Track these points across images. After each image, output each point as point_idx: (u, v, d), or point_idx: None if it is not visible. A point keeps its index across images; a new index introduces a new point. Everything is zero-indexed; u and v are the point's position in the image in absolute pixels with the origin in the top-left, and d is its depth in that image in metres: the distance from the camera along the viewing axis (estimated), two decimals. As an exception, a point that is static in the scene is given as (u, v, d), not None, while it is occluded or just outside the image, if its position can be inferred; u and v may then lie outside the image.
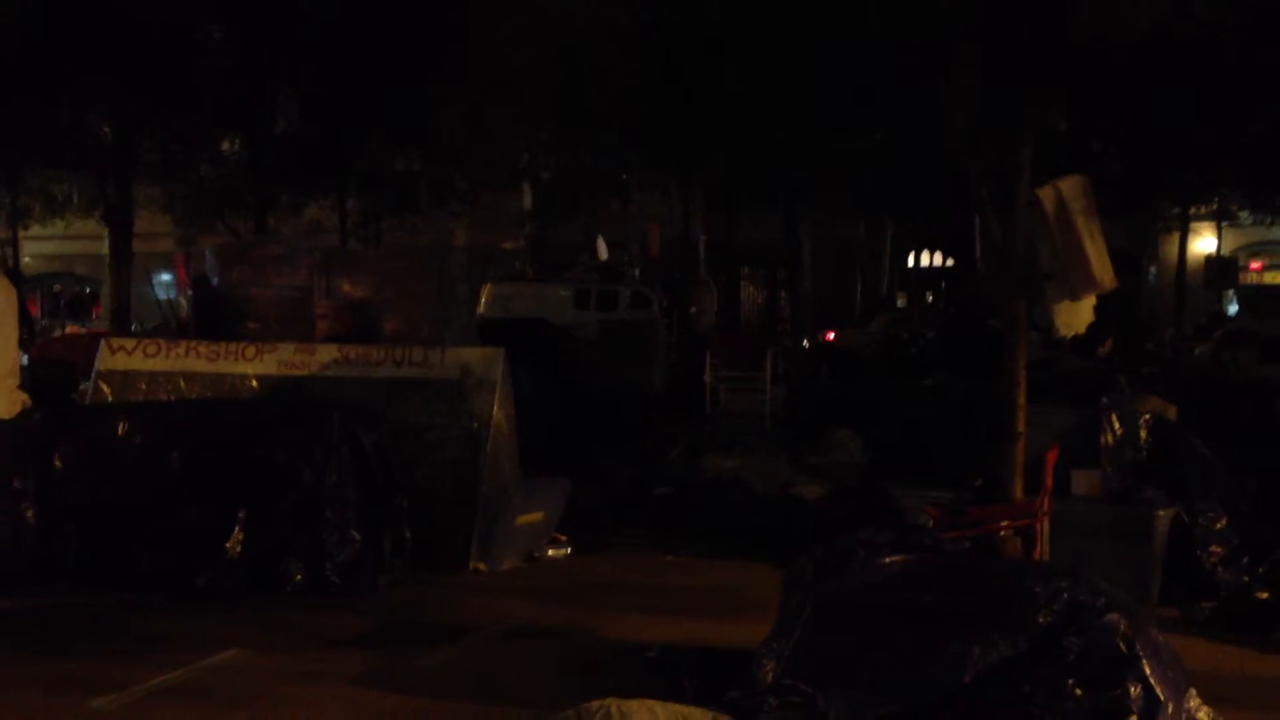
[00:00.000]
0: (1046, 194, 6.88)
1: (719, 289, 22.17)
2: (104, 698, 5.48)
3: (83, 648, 6.30)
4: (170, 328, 16.03)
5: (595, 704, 4.89)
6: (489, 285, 18.85)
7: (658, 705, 4.87)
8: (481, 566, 7.87)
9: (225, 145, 19.64)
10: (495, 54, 17.34)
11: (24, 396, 7.34)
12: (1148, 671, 4.55)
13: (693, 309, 18.31)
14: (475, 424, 8.14)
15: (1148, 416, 7.93)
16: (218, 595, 7.14)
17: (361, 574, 7.44)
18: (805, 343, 21.78)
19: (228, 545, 7.36)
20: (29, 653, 6.23)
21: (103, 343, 9.25)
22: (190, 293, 17.60)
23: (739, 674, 5.19)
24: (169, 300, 17.37)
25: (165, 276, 23.52)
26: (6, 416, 7.10)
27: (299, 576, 7.34)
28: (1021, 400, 6.69)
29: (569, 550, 8.42)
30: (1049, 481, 6.41)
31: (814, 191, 20.10)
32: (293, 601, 7.15)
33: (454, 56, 17.56)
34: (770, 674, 5.02)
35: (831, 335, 24.54)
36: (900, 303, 33.97)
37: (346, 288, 12.89)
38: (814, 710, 4.77)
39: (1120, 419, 7.83)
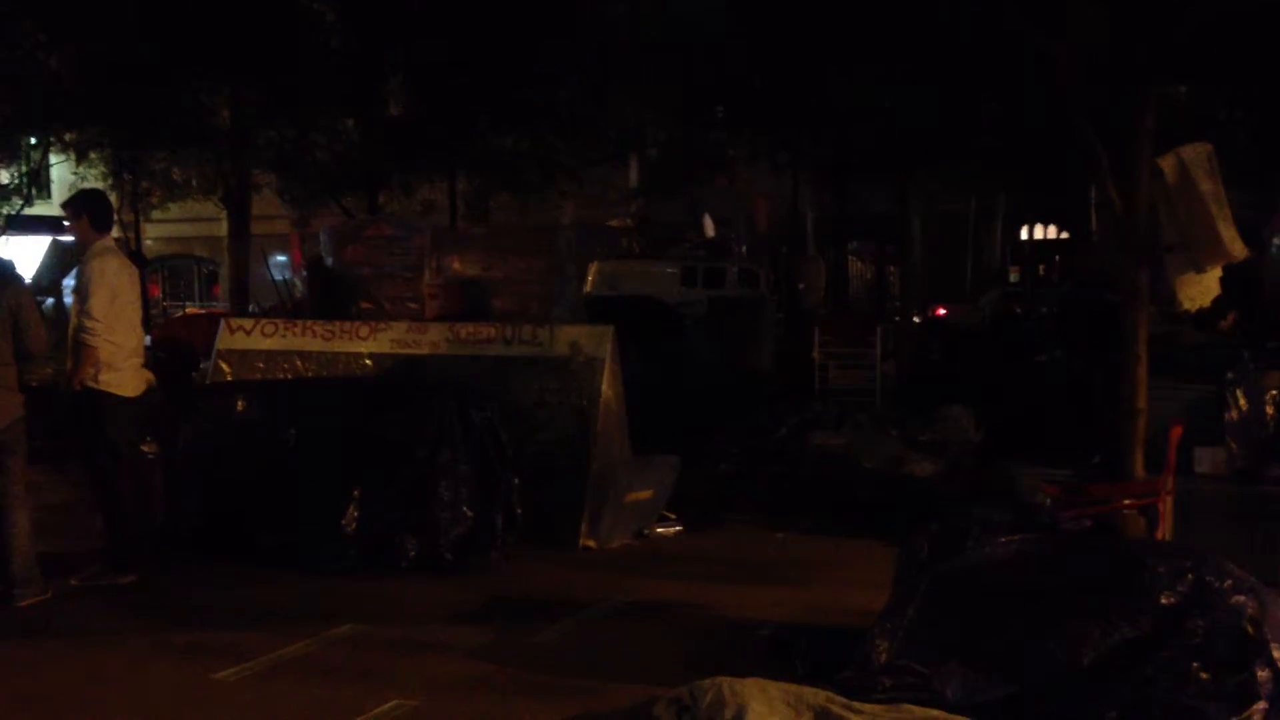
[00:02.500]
0: (1168, 162, 6.67)
1: (827, 264, 22.00)
2: (227, 669, 5.62)
3: (205, 620, 6.48)
4: (286, 308, 16.37)
5: (706, 682, 4.89)
6: (596, 263, 18.94)
7: (769, 684, 4.85)
8: (591, 544, 7.92)
9: (338, 127, 19.95)
10: (603, 28, 17.36)
11: (149, 375, 7.53)
12: (1277, 655, 4.42)
13: (801, 285, 18.17)
14: (585, 401, 8.18)
15: (1274, 392, 7.66)
16: (334, 570, 7.28)
17: (474, 550, 7.53)
18: (915, 318, 21.49)
19: (343, 521, 7.48)
20: (156, 625, 6.42)
21: (222, 323, 9.48)
22: (305, 273, 17.95)
23: (851, 654, 5.14)
24: (285, 280, 17.71)
25: (281, 258, 23.97)
26: (133, 395, 7.28)
27: (413, 552, 7.44)
28: (1143, 375, 6.50)
29: (679, 528, 8.43)
30: (1172, 459, 6.23)
31: (925, 163, 19.80)
32: (407, 577, 7.26)
33: (563, 32, 17.62)
34: (884, 654, 4.97)
35: (942, 310, 24.17)
36: (1013, 277, 33.34)
37: (457, 266, 13.06)
38: (929, 691, 4.72)
39: (1246, 395, 7.57)
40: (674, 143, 22.58)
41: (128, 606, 6.75)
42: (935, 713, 4.64)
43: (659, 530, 8.35)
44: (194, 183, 22.91)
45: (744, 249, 20.52)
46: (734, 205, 22.97)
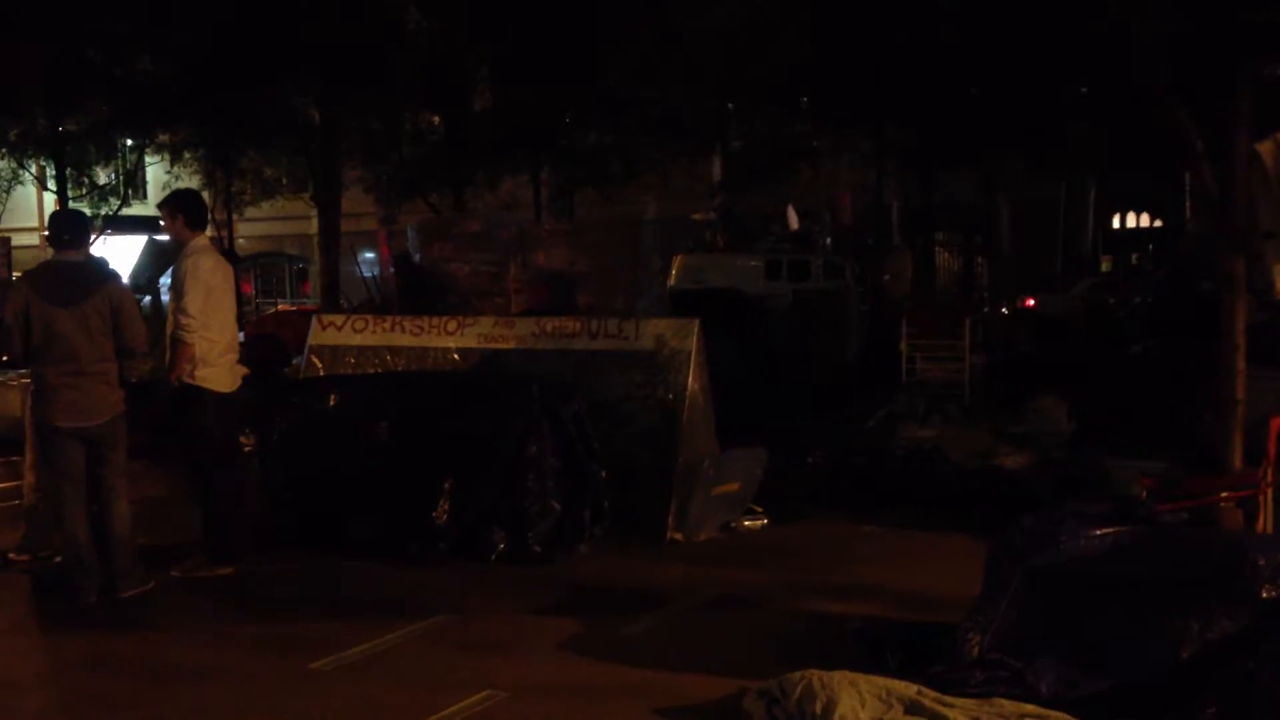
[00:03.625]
0: (1266, 148, 6.51)
1: (913, 255, 21.76)
2: (322, 660, 5.72)
3: (301, 612, 6.60)
4: (374, 304, 16.59)
5: (795, 675, 4.89)
6: (680, 257, 18.94)
7: (859, 677, 4.84)
8: (678, 537, 7.93)
9: (424, 124, 20.18)
10: (685, 19, 17.34)
11: (244, 370, 7.68)
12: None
13: (887, 276, 18.01)
14: (671, 395, 8.18)
15: (1379, 381, 7.46)
16: (425, 563, 7.37)
17: (562, 543, 7.58)
18: (1004, 309, 21.18)
19: (434, 514, 7.57)
20: (254, 616, 6.56)
21: (314, 319, 9.64)
22: (392, 269, 18.16)
23: (941, 648, 5.10)
24: (374, 277, 17.95)
25: (369, 254, 24.32)
26: (229, 390, 7.43)
27: (501, 545, 7.51)
28: (1240, 365, 6.36)
29: (765, 521, 8.41)
30: (1272, 451, 6.09)
31: (1013, 151, 19.50)
32: (495, 569, 7.33)
33: (643, 24, 17.64)
34: (975, 647, 4.93)
35: (1032, 301, 23.80)
36: (1105, 266, 32.72)
37: (542, 261, 13.14)
38: (1022, 685, 4.67)
39: (1350, 383, 7.38)
40: (757, 135, 22.50)
41: (226, 598, 6.90)
42: (1029, 707, 4.59)
43: (746, 523, 8.34)
44: (284, 181, 23.34)
45: (829, 241, 20.36)
46: (818, 197, 22.82)
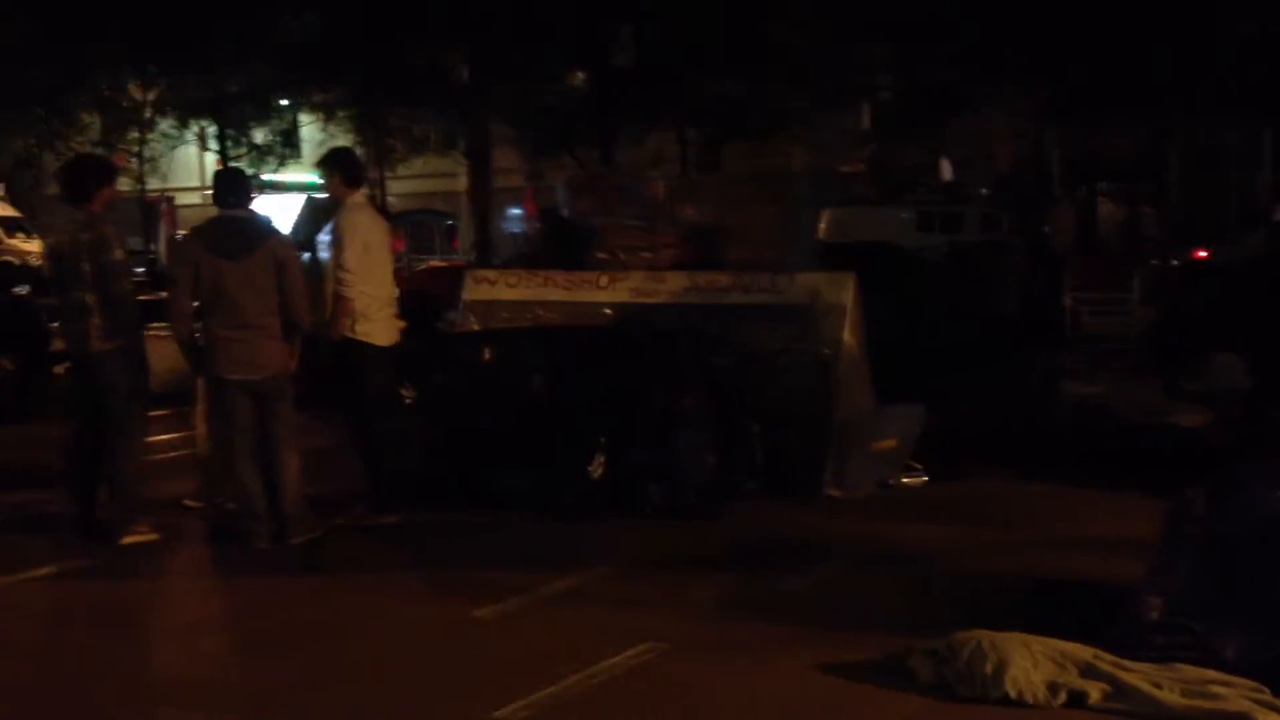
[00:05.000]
0: None
1: (1075, 206, 21.03)
2: (484, 608, 5.80)
3: (462, 560, 6.71)
4: (524, 259, 16.70)
5: (964, 634, 4.77)
6: (829, 210, 18.61)
7: (1031, 638, 4.70)
8: (835, 493, 7.81)
9: (570, 80, 20.21)
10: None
11: (402, 324, 7.80)
12: None
13: (1048, 228, 17.43)
14: (826, 349, 8.04)
15: None
16: (580, 516, 7.40)
17: (717, 497, 7.54)
18: (1174, 261, 20.36)
19: (589, 467, 7.60)
20: (417, 563, 6.71)
21: (468, 274, 9.73)
22: (539, 224, 18.27)
23: (1117, 610, 4.92)
24: (524, 233, 18.10)
25: (516, 210, 24.52)
26: (388, 344, 7.56)
27: (656, 498, 7.50)
28: None
29: (925, 479, 8.24)
30: None
31: (1182, 93, 18.62)
32: (651, 523, 7.33)
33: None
34: (1155, 611, 4.74)
35: (1203, 253, 22.81)
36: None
37: (690, 216, 13.03)
38: (1207, 649, 4.48)
39: None
40: (908, 84, 21.92)
41: (390, 546, 7.05)
42: (1211, 673, 4.41)
43: (904, 480, 8.17)
44: (431, 138, 23.63)
45: (985, 192, 19.78)
46: (973, 147, 22.19)
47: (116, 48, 19.83)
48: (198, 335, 7.05)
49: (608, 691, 4.82)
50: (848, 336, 8.08)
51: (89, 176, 7.33)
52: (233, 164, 22.95)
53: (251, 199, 7.43)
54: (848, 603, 5.84)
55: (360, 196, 7.75)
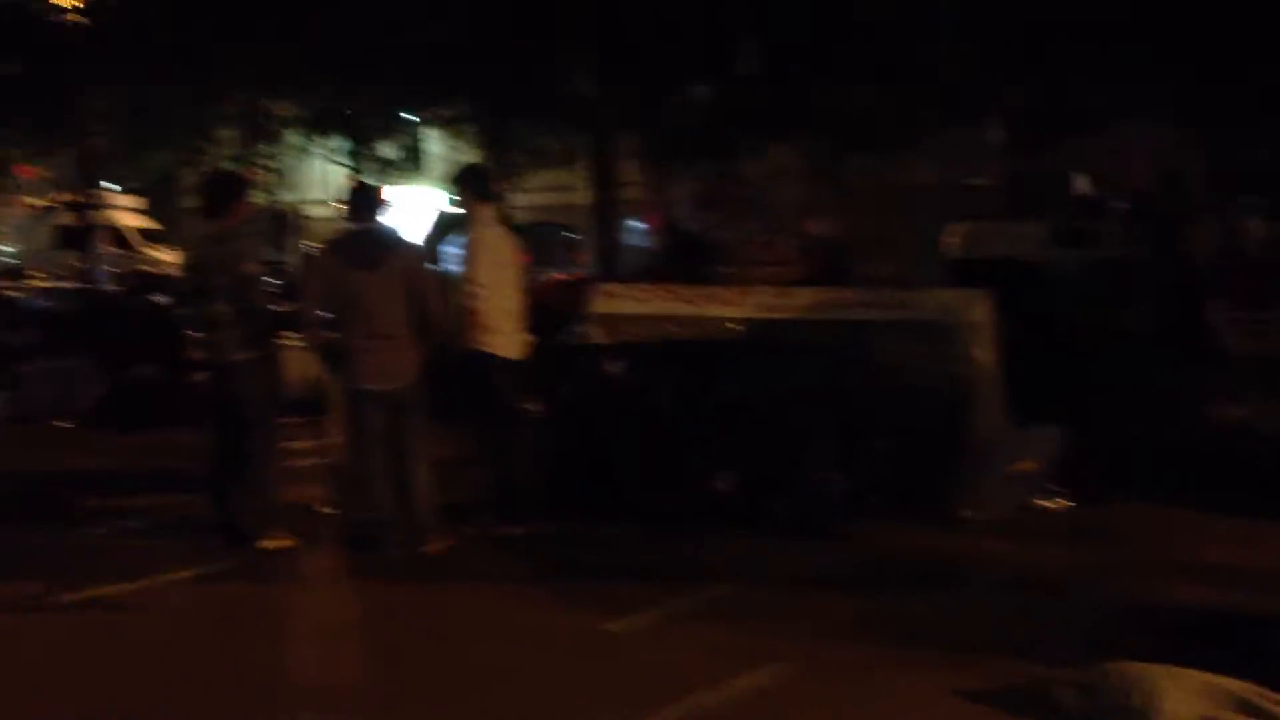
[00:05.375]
0: None
1: (1218, 221, 20.30)
2: (616, 621, 5.80)
3: (589, 574, 6.72)
4: (645, 273, 16.73)
5: (1110, 665, 4.62)
6: (959, 224, 18.26)
7: (1182, 671, 4.54)
8: (968, 514, 7.63)
9: (692, 92, 20.18)
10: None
11: (530, 338, 7.85)
12: None
13: (1189, 244, 16.86)
14: (958, 367, 7.89)
15: None
16: (707, 530, 7.35)
17: (844, 515, 7.44)
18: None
19: (716, 483, 7.56)
20: (545, 575, 6.74)
21: (594, 287, 9.76)
22: (662, 237, 18.28)
23: (1275, 644, 4.71)
24: (647, 246, 18.14)
25: (637, 223, 24.56)
26: (516, 356, 7.62)
27: (783, 515, 7.43)
28: None
29: (1063, 502, 8.00)
30: None
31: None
32: (777, 540, 7.24)
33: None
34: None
35: (1354, 270, 21.87)
36: None
37: (814, 229, 12.99)
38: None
39: None
40: (1047, 94, 21.35)
41: (519, 557, 7.09)
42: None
43: (1043, 503, 7.95)
44: (553, 152, 23.77)
45: (1123, 206, 19.25)
46: (1110, 160, 21.60)
47: (259, 67, 20.40)
48: (330, 341, 7.16)
49: (740, 711, 4.77)
50: (982, 355, 7.91)
51: (224, 191, 7.53)
52: (359, 178, 23.42)
53: (382, 212, 7.56)
54: (983, 627, 5.69)
55: (490, 210, 7.84)
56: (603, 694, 4.96)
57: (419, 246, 7.73)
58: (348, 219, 7.50)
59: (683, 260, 12.86)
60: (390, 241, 7.41)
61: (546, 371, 8.37)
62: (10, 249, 27.42)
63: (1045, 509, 7.93)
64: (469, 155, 22.06)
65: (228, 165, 21.00)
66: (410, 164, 25.57)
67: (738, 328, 8.79)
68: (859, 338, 8.20)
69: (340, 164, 25.08)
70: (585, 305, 9.42)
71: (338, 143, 24.56)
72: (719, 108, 19.10)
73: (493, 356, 7.49)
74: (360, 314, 7.00)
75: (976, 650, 5.31)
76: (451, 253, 12.70)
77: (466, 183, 7.85)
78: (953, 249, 17.36)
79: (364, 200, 7.44)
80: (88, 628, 5.99)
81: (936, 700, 4.78)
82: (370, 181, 16.89)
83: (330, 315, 7.11)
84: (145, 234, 27.18)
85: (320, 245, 8.89)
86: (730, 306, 8.91)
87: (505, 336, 7.55)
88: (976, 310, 8.04)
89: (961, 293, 8.37)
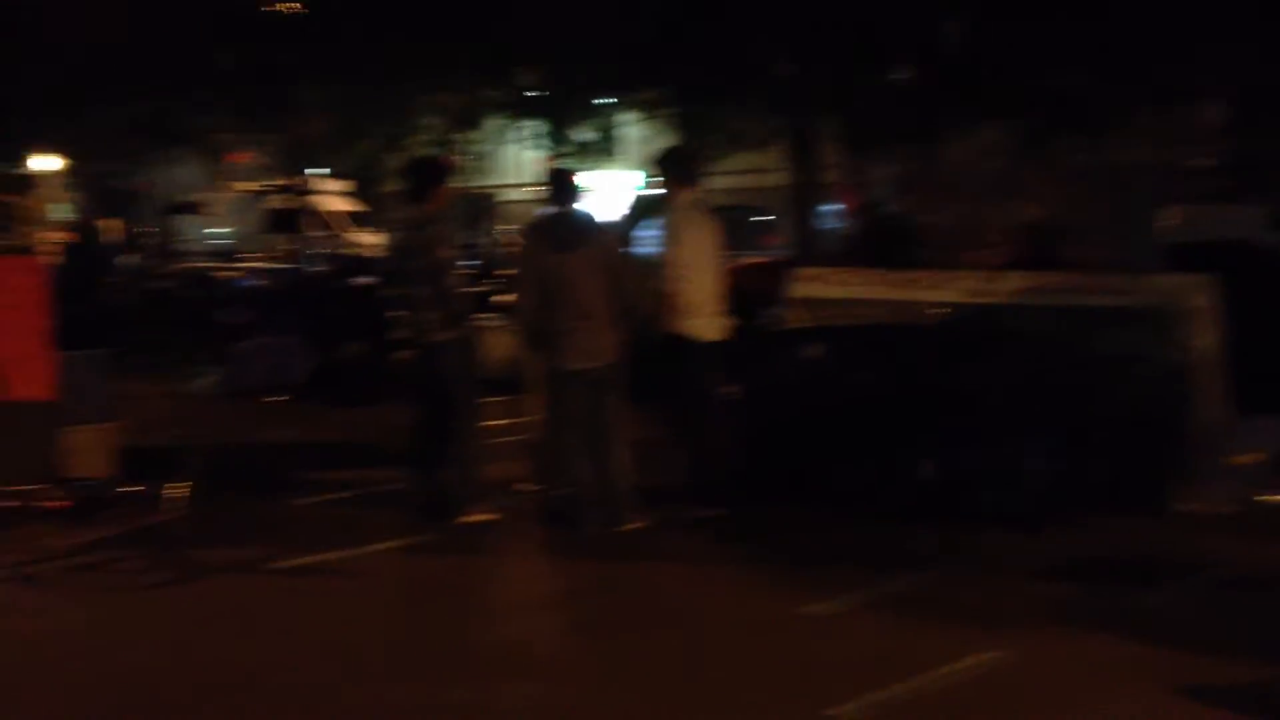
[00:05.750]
0: None
1: None
2: (814, 604, 5.72)
3: (787, 557, 6.67)
4: (843, 256, 16.48)
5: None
6: (1176, 206, 17.44)
7: None
8: (1188, 507, 7.27)
9: (896, 72, 19.76)
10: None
11: (728, 321, 7.81)
12: None
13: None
14: (1178, 355, 7.52)
15: None
16: (909, 517, 7.19)
17: (1055, 505, 7.16)
18: None
19: (918, 470, 7.38)
20: (740, 557, 6.71)
21: (793, 271, 9.63)
22: (859, 220, 17.96)
23: None
24: (840, 229, 17.88)
25: (832, 206, 24.23)
26: (714, 339, 7.58)
27: (990, 504, 7.19)
28: None
29: (1291, 496, 7.56)
30: None
31: None
32: (983, 529, 7.01)
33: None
34: None
35: None
36: None
37: (1023, 212, 12.56)
38: None
39: None
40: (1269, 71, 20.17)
41: (713, 539, 7.08)
42: None
43: (1268, 498, 7.52)
44: (748, 134, 23.61)
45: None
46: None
47: (469, 56, 20.90)
48: (535, 322, 7.24)
49: (948, 698, 4.65)
50: (1204, 342, 7.52)
51: (428, 177, 7.70)
52: (557, 162, 23.75)
53: (582, 197, 7.63)
54: (1205, 624, 5.43)
55: (692, 194, 7.81)
56: (801, 677, 4.90)
57: (615, 230, 7.75)
58: (547, 203, 7.59)
59: (883, 243, 12.61)
60: (588, 225, 7.49)
61: (743, 355, 8.31)
62: (223, 232, 28.68)
63: (1272, 503, 7.50)
64: (665, 139, 22.13)
65: (429, 151, 21.58)
66: (606, 148, 25.77)
67: (944, 313, 8.58)
68: (1074, 324, 7.89)
69: (537, 149, 25.46)
70: (782, 289, 9.32)
71: (536, 127, 24.92)
72: (923, 88, 18.64)
73: (692, 339, 7.48)
74: (562, 295, 7.08)
75: (1198, 649, 5.06)
76: (647, 236, 12.77)
77: (669, 166, 7.85)
78: (1169, 232, 16.60)
79: (563, 185, 7.52)
80: (302, 592, 6.22)
81: (1159, 700, 4.57)
82: (568, 166, 17.10)
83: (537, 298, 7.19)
84: (350, 217, 28.11)
85: (522, 230, 9.04)
86: (936, 291, 8.68)
87: (704, 320, 7.53)
88: (1199, 296, 7.65)
89: (1184, 278, 7.96)
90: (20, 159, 24.20)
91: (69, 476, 7.50)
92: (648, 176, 26.70)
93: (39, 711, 4.75)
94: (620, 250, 7.37)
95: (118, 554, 6.77)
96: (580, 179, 7.89)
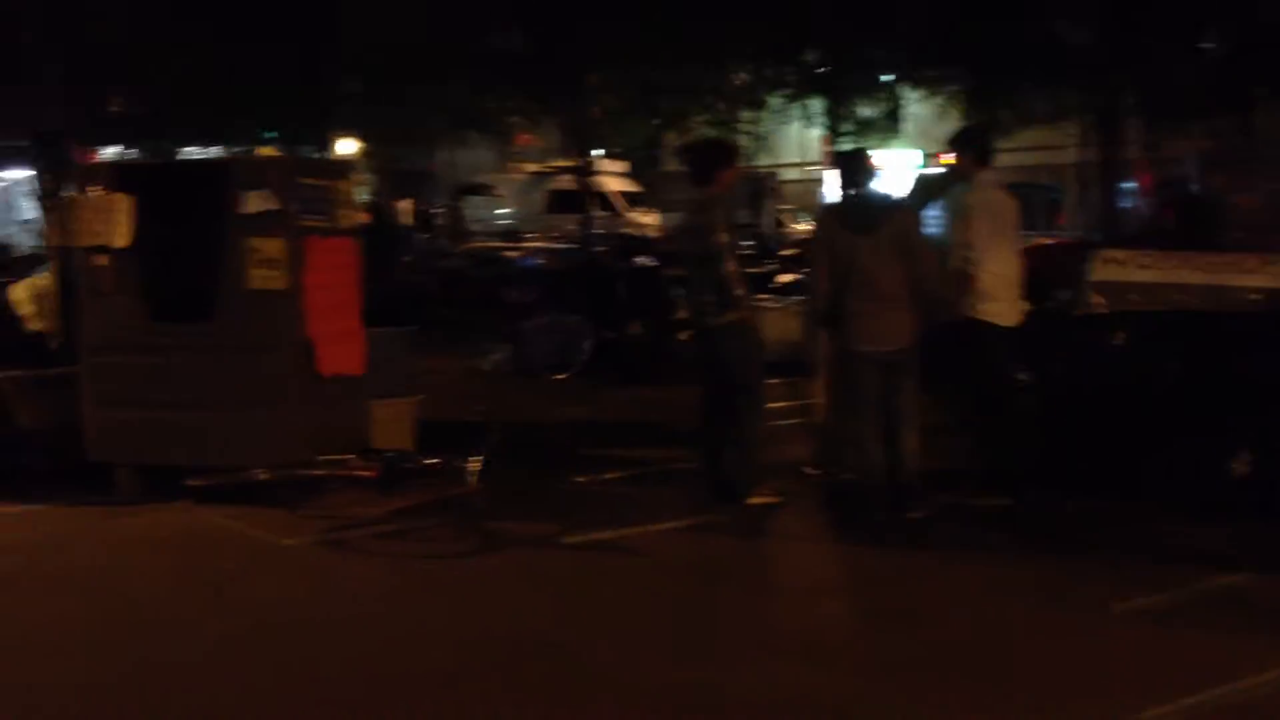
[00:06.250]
0: None
1: None
2: (1120, 602, 5.47)
3: (1083, 552, 6.38)
4: (1143, 237, 15.60)
5: None
6: None
7: None
8: None
9: (1206, 41, 18.57)
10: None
11: (1027, 306, 7.50)
12: None
13: None
14: None
15: None
16: (1217, 513, 6.79)
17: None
18: None
19: (1232, 464, 6.92)
20: (1035, 550, 6.45)
21: (1096, 254, 9.17)
22: (1160, 200, 17.00)
23: None
24: (1135, 207, 16.93)
25: (1128, 184, 23.03)
26: (1012, 324, 7.31)
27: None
28: None
29: None
30: None
31: None
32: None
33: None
34: None
35: None
36: None
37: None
38: None
39: None
40: None
41: (1005, 529, 6.85)
42: None
43: None
44: (1039, 110, 22.70)
45: None
46: None
47: (757, 37, 20.90)
48: (827, 304, 7.15)
49: (1270, 706, 4.34)
50: None
51: (714, 159, 7.67)
52: (840, 141, 23.43)
53: (874, 178, 7.47)
54: None
55: (991, 174, 7.57)
56: (1117, 678, 4.68)
57: (913, 211, 7.55)
58: (841, 186, 7.46)
59: (1191, 225, 11.87)
60: (885, 206, 7.34)
61: (1039, 340, 7.98)
62: (509, 212, 29.56)
63: None
64: (950, 116, 21.51)
65: (711, 132, 21.64)
66: (890, 125, 25.26)
67: (1261, 299, 8.00)
68: None
69: (818, 127, 25.18)
70: (1075, 271, 8.90)
71: (817, 105, 24.66)
72: (1236, 58, 17.42)
73: (990, 324, 7.23)
74: (859, 278, 6.95)
75: None
76: (932, 216, 12.43)
77: (966, 145, 7.61)
78: None
79: (855, 167, 7.38)
80: (593, 567, 6.34)
81: None
82: (859, 147, 16.85)
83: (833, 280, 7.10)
84: (629, 197, 28.52)
85: (817, 212, 8.94)
86: (1254, 276, 8.12)
87: (1003, 304, 7.28)
88: None
89: None
90: (329, 145, 25.68)
91: (374, 448, 7.89)
92: (927, 155, 26.04)
93: (354, 661, 4.99)
94: (916, 232, 7.14)
95: (419, 523, 7.09)
96: (872, 161, 7.72)
